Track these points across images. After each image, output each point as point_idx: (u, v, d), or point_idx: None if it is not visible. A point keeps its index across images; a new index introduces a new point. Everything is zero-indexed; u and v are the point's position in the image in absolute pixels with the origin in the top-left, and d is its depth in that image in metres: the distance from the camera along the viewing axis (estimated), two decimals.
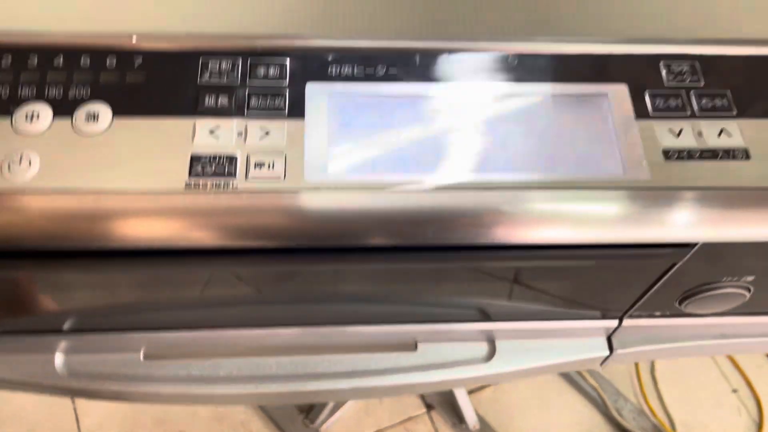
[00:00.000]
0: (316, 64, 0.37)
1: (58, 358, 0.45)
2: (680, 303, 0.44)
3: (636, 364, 1.19)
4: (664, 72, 0.39)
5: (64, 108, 0.35)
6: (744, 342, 0.51)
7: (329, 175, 0.34)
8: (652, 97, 0.38)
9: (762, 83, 0.39)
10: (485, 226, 0.35)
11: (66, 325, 0.44)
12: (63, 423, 1.04)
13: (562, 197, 0.35)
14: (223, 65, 0.37)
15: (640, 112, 0.37)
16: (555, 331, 0.48)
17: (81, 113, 0.35)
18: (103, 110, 0.35)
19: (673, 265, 0.39)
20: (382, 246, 0.35)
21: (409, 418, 1.09)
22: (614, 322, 0.47)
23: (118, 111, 0.35)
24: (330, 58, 0.38)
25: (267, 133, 0.35)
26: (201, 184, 0.33)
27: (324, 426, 1.06)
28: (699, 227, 0.35)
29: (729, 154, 0.36)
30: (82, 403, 1.07)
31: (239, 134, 0.35)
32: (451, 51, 0.39)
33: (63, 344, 0.45)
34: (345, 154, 0.35)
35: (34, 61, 0.36)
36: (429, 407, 1.10)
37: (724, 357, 1.21)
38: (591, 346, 0.49)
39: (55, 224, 0.33)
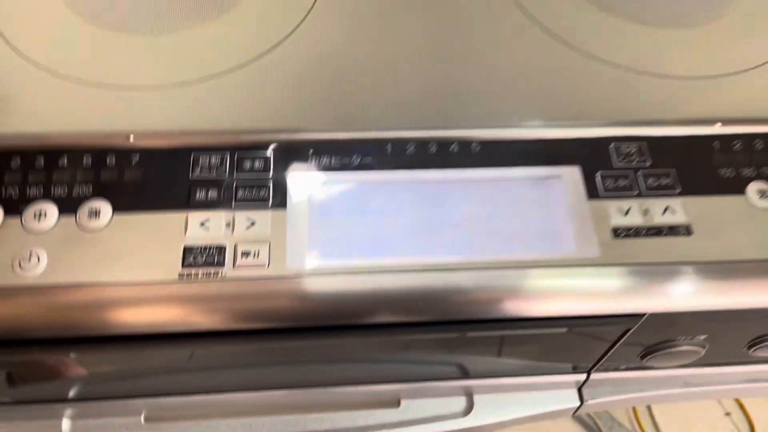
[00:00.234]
0: (297, 156, 0.41)
1: (65, 424, 0.49)
2: (642, 358, 0.48)
3: None
4: (613, 154, 0.42)
5: (68, 206, 0.39)
6: (708, 390, 0.54)
7: (309, 262, 0.38)
8: (603, 178, 0.42)
9: (703, 161, 0.42)
10: (453, 305, 0.38)
11: (72, 394, 0.47)
12: None
13: (520, 275, 0.39)
14: (213, 160, 0.41)
15: (592, 193, 0.41)
16: (529, 385, 0.52)
17: (84, 210, 0.38)
18: (104, 207, 0.39)
19: (628, 330, 0.42)
20: (357, 324, 0.39)
21: None
22: (583, 376, 0.51)
23: (118, 207, 0.39)
24: (310, 151, 0.41)
25: (253, 223, 0.39)
26: (193, 273, 0.37)
27: None
28: (645, 299, 0.39)
29: (673, 230, 0.40)
30: None
31: (228, 225, 0.39)
32: (419, 140, 0.42)
33: (69, 411, 0.49)
34: (323, 241, 0.39)
35: (41, 161, 0.40)
36: None
37: None
38: (563, 398, 0.52)
39: (62, 315, 0.36)
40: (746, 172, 0.42)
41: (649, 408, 1.20)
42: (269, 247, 0.38)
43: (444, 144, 0.42)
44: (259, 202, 0.40)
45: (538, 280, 0.39)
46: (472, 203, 0.41)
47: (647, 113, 0.45)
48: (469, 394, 0.52)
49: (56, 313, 0.36)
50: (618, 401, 0.52)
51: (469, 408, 0.51)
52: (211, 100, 0.44)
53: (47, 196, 0.39)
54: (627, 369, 0.50)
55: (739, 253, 0.39)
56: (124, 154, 0.41)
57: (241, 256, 0.38)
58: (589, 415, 1.15)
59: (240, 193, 0.40)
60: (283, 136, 0.42)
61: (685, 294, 0.39)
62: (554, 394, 0.52)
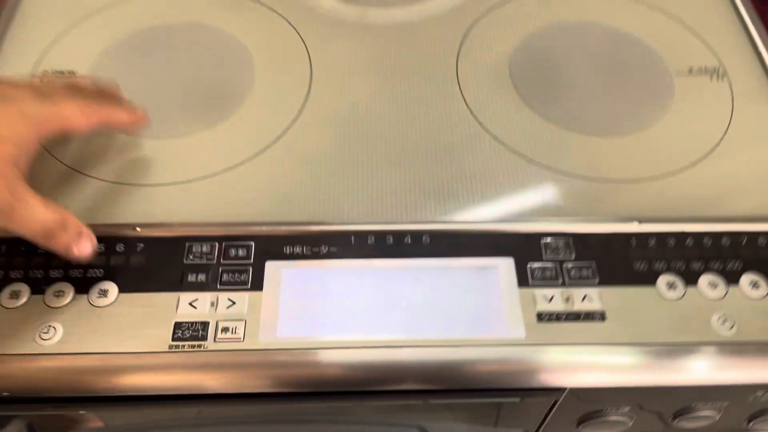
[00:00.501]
0: (274, 246, 0.49)
1: None
2: (578, 426, 0.54)
3: None
4: (543, 247, 0.50)
5: (82, 286, 0.47)
6: None
7: (278, 337, 0.45)
8: (532, 269, 0.49)
9: (621, 255, 0.50)
10: (397, 377, 0.45)
11: None
12: None
13: (457, 353, 0.46)
14: (204, 248, 0.49)
15: (522, 281, 0.48)
16: None
17: (95, 290, 0.47)
18: (112, 288, 0.47)
19: (556, 401, 0.49)
20: (316, 391, 0.46)
21: None
22: None
23: (123, 288, 0.47)
24: (285, 241, 0.50)
25: (233, 303, 0.47)
26: (180, 345, 0.45)
27: None
28: (565, 375, 0.46)
29: (589, 316, 0.47)
30: None
31: (212, 304, 0.47)
32: (378, 233, 0.50)
33: None
34: (291, 319, 0.46)
35: None
36: None
37: None
38: None
39: (73, 378, 0.44)
40: (658, 265, 0.49)
41: None
42: (245, 324, 0.46)
43: (399, 236, 0.50)
44: (240, 285, 0.47)
45: (472, 356, 0.46)
46: (420, 288, 0.48)
47: (576, 211, 0.52)
48: None
49: (68, 376, 0.44)
50: None
51: None
52: (206, 196, 0.52)
53: (65, 278, 0.47)
54: None
55: (647, 337, 0.46)
56: (131, 242, 0.49)
57: (221, 332, 0.45)
58: None
59: (224, 277, 0.48)
60: (264, 229, 0.50)
61: (598, 371, 0.46)
62: None
